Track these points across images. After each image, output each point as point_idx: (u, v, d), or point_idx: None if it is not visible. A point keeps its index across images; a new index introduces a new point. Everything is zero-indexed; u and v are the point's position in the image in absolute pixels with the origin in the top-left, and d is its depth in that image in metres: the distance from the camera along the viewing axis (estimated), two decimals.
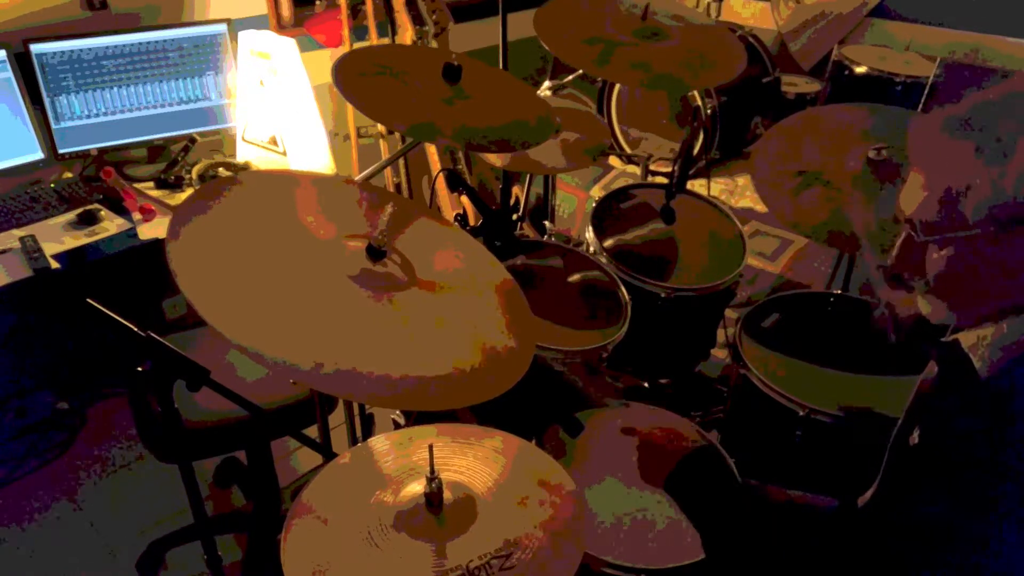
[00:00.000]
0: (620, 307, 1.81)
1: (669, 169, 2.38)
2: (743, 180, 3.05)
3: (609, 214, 2.10)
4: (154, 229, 2.13)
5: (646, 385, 2.25)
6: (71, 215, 2.13)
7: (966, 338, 0.91)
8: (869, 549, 0.95)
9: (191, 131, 2.47)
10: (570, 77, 2.34)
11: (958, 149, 0.86)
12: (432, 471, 1.06)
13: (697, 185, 2.71)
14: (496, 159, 2.14)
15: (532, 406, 1.53)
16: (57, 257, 1.97)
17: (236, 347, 0.98)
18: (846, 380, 1.66)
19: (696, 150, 2.90)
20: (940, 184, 0.88)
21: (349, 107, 2.82)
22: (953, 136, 0.87)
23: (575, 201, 3.20)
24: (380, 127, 2.75)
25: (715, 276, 1.93)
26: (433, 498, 1.06)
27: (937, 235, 0.90)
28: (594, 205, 2.09)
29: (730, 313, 2.09)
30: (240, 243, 1.15)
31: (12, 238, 2.01)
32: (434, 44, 2.71)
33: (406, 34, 2.69)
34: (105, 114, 2.34)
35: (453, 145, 2.67)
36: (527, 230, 2.61)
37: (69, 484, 2.32)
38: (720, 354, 2.25)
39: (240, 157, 2.50)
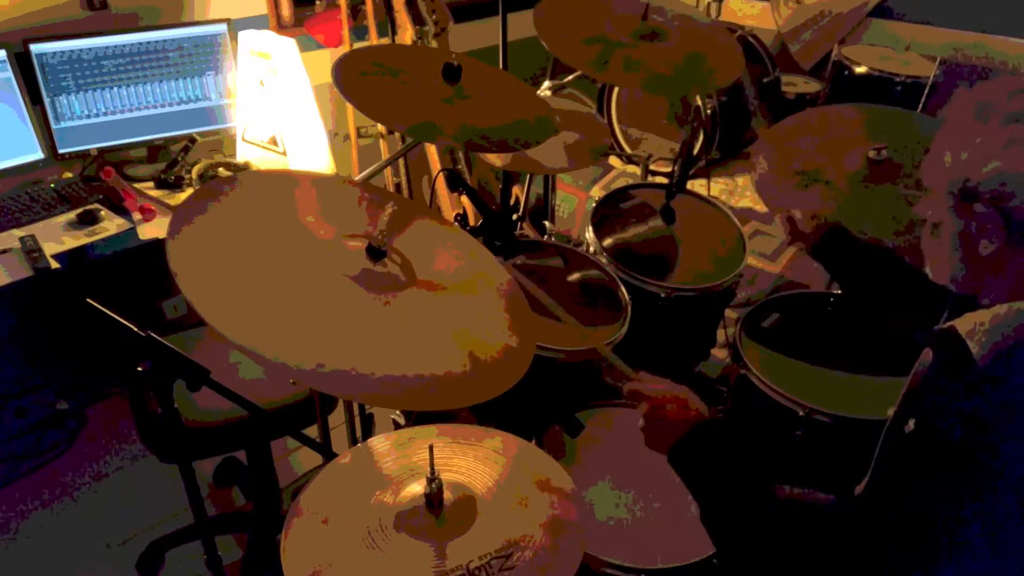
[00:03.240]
0: (620, 307, 1.81)
1: (669, 169, 2.38)
2: (743, 180, 3.05)
3: (609, 214, 2.10)
4: (154, 229, 2.13)
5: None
6: (71, 215, 2.13)
7: (963, 325, 0.91)
8: (864, 541, 0.95)
9: (191, 131, 2.47)
10: (570, 77, 2.34)
11: (968, 122, 0.88)
12: (432, 471, 1.06)
13: (697, 185, 2.71)
14: (496, 159, 2.14)
15: (532, 406, 1.53)
16: (57, 257, 1.97)
17: (236, 347, 0.98)
18: (846, 380, 1.66)
19: (696, 150, 2.90)
20: (938, 147, 0.92)
21: (349, 107, 2.82)
22: (975, 109, 0.89)
23: (575, 201, 3.20)
24: (380, 127, 2.75)
25: (715, 276, 1.93)
26: (433, 498, 1.06)
27: (924, 194, 0.94)
28: (594, 205, 2.09)
29: (730, 313, 2.09)
30: (240, 243, 1.15)
31: (12, 238, 2.01)
32: (434, 44, 2.71)
33: (406, 34, 2.69)
34: (105, 114, 2.34)
35: (453, 145, 2.67)
36: (527, 230, 2.60)
37: (69, 484, 2.32)
38: (720, 354, 2.25)
39: (240, 157, 2.50)
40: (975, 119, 0.88)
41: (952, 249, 0.93)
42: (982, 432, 0.85)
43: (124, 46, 2.32)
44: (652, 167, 2.68)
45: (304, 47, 2.38)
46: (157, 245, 2.06)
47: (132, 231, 2.12)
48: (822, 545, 1.00)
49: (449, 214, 2.67)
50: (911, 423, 0.94)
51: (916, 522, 0.89)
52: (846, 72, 3.02)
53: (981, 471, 0.85)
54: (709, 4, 3.30)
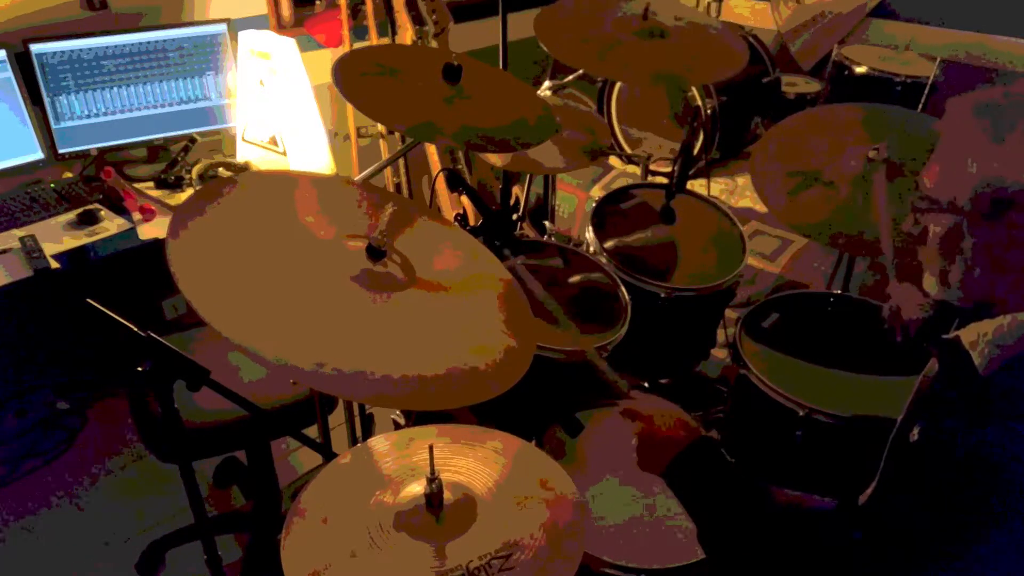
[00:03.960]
0: (620, 307, 1.81)
1: (669, 169, 2.38)
2: (743, 180, 3.05)
3: (609, 214, 2.10)
4: (154, 229, 2.13)
5: (646, 385, 2.25)
6: (71, 215, 2.13)
7: (967, 335, 0.91)
8: (868, 549, 0.95)
9: (191, 131, 2.47)
10: (570, 77, 2.34)
11: (975, 128, 0.87)
12: (432, 472, 1.06)
13: (697, 185, 2.71)
14: (496, 159, 2.14)
15: (532, 406, 1.53)
16: (57, 257, 1.97)
17: (236, 347, 0.98)
18: (846, 380, 1.66)
19: (696, 150, 2.90)
20: (949, 157, 0.90)
21: (349, 107, 2.82)
22: (977, 114, 0.88)
23: (575, 201, 3.20)
24: (380, 127, 2.75)
25: (715, 276, 1.93)
26: (433, 499, 1.06)
27: (933, 207, 0.91)
28: (594, 205, 2.09)
29: (730, 313, 2.09)
30: (240, 243, 1.15)
31: (12, 238, 2.01)
32: (434, 44, 2.70)
33: (406, 34, 2.69)
34: (105, 114, 2.34)
35: (453, 145, 2.67)
36: (527, 230, 2.60)
37: (69, 484, 2.32)
38: (720, 354, 2.25)
39: (240, 157, 2.50)
40: (984, 129, 0.87)
41: (967, 260, 0.91)
42: (985, 442, 0.85)
43: (124, 46, 2.31)
44: (652, 167, 2.68)
45: (304, 47, 2.38)
46: (157, 245, 2.06)
47: (132, 231, 2.12)
48: (821, 551, 1.00)
49: (449, 214, 2.67)
50: (916, 431, 0.94)
51: (921, 529, 0.89)
52: (846, 72, 3.02)
53: (986, 481, 0.85)
54: (709, 4, 3.30)
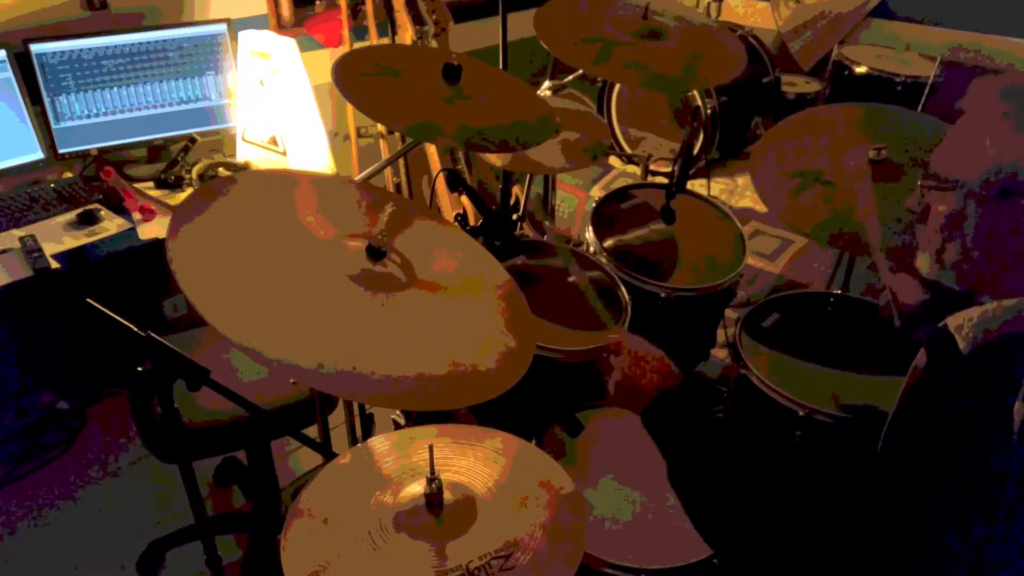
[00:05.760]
0: (620, 307, 1.81)
1: (669, 169, 2.38)
2: (743, 180, 3.05)
3: (609, 214, 2.10)
4: (154, 229, 2.13)
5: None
6: (71, 215, 2.13)
7: (953, 320, 0.92)
8: (867, 540, 0.96)
9: (191, 131, 2.47)
10: (570, 77, 2.34)
11: (999, 110, 0.88)
12: (432, 472, 1.06)
13: (697, 185, 2.71)
14: (496, 159, 2.14)
15: (532, 406, 1.53)
16: (57, 257, 1.97)
17: (236, 347, 0.98)
18: (846, 380, 1.66)
19: (696, 150, 2.90)
20: (966, 137, 0.91)
21: (349, 107, 2.82)
22: (1004, 97, 0.89)
23: (575, 201, 3.20)
24: (380, 127, 2.75)
25: (715, 276, 1.93)
26: (433, 499, 1.06)
27: (941, 185, 0.92)
28: (594, 205, 2.09)
29: (730, 313, 2.09)
30: (240, 243, 1.15)
31: (12, 238, 2.01)
32: (434, 44, 2.71)
33: (406, 34, 2.69)
34: (105, 114, 2.34)
35: (453, 145, 2.67)
36: (527, 230, 2.60)
37: (69, 484, 2.32)
38: (720, 354, 2.24)
39: (240, 157, 2.50)
40: (1007, 113, 0.88)
41: (967, 241, 0.92)
42: (975, 425, 0.86)
43: (124, 46, 2.32)
44: (652, 167, 2.69)
45: (304, 47, 2.38)
46: (157, 245, 2.06)
47: (132, 231, 2.12)
48: (820, 538, 1.01)
49: (449, 214, 2.67)
50: (908, 418, 0.95)
51: (919, 519, 0.90)
52: (846, 72, 3.02)
53: (977, 462, 0.86)
54: (709, 4, 3.30)
